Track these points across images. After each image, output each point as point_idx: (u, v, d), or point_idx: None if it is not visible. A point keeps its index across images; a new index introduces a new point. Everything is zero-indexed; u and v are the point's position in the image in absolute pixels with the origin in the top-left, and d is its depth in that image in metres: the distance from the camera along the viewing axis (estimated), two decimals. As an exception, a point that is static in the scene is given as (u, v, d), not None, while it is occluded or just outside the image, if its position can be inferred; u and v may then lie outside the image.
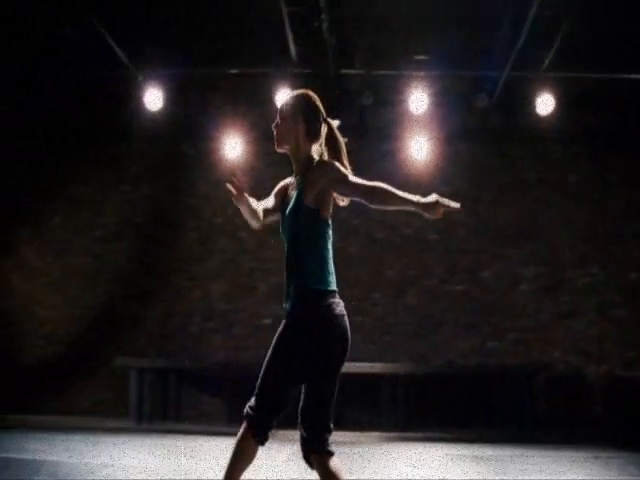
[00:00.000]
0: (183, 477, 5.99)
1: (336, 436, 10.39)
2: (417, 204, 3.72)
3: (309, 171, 3.92)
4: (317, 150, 4.00)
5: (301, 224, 3.89)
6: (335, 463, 3.72)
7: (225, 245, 12.48)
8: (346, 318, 3.78)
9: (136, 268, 12.30)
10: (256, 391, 3.84)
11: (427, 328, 11.99)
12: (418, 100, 10.79)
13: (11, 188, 12.24)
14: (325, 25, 9.47)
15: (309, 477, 4.43)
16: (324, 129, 3.99)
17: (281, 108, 4.05)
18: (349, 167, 3.95)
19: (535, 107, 10.78)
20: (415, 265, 12.22)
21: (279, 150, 4.02)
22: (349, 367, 11.20)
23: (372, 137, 11.97)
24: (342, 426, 11.01)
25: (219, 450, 8.32)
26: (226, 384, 11.76)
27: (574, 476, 6.92)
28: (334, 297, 3.75)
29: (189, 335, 12.07)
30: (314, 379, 3.70)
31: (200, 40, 10.32)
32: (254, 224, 3.94)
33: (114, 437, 9.41)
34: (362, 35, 10.39)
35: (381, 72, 10.81)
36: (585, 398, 11.44)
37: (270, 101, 10.90)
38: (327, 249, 3.81)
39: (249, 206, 3.86)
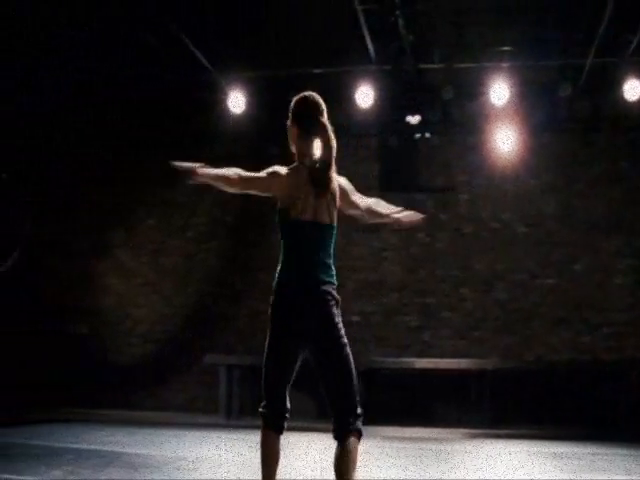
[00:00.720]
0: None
1: (423, 433, 10.41)
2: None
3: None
4: (317, 147, 4.09)
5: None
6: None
7: (312, 243, 12.59)
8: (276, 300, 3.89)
9: (226, 267, 12.58)
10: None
11: (517, 323, 11.79)
12: (500, 92, 10.61)
13: (106, 192, 12.73)
14: (401, 21, 9.43)
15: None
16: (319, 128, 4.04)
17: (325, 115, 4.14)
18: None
19: (622, 93, 10.40)
20: (504, 259, 12.02)
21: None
22: (437, 363, 11.22)
23: (456, 132, 11.88)
24: (431, 423, 11.09)
25: (307, 445, 8.45)
26: (314, 380, 11.87)
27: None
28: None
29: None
30: None
31: (278, 41, 10.43)
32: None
33: (203, 432, 9.66)
34: (440, 29, 10.28)
35: (462, 65, 10.67)
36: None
37: (351, 99, 10.95)
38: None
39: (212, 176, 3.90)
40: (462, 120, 11.74)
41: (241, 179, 3.96)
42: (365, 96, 10.74)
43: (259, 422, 3.93)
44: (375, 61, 10.43)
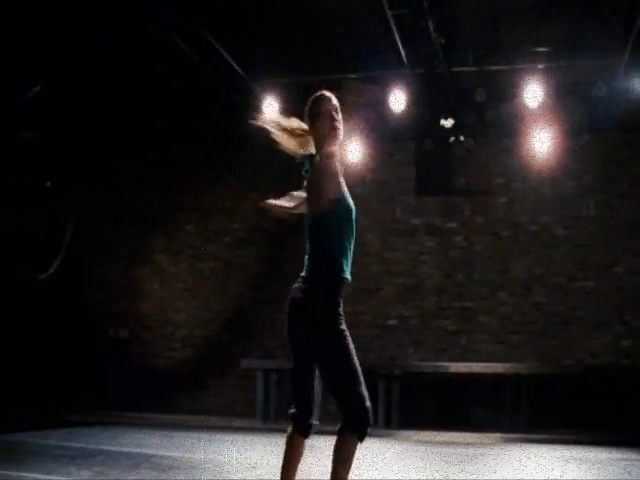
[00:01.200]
0: (305, 477, 6.06)
1: (458, 437, 10.34)
2: None
3: None
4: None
5: None
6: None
7: (350, 247, 12.61)
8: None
9: (264, 272, 12.67)
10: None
11: (555, 327, 11.66)
12: (534, 93, 10.52)
13: (146, 199, 12.94)
14: (431, 25, 9.42)
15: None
16: None
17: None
18: None
19: (662, 92, 10.24)
20: (542, 262, 11.91)
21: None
22: (471, 367, 11.15)
23: (492, 134, 11.81)
24: (466, 427, 11.02)
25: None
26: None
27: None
28: None
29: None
30: None
31: (310, 47, 10.49)
32: None
33: (238, 436, 9.73)
34: (472, 31, 10.21)
35: (495, 67, 10.61)
36: None
37: (385, 103, 10.97)
38: None
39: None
40: (497, 122, 11.68)
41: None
42: (398, 100, 10.75)
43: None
44: (408, 65, 10.43)
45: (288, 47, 10.49)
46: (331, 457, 3.79)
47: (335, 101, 4.12)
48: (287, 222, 12.45)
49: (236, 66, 10.40)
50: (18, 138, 11.43)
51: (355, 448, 3.81)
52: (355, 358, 3.89)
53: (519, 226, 12.06)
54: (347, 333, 3.90)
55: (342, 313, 3.95)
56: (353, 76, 11.24)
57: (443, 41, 9.66)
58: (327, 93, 4.15)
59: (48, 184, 12.22)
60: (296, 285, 3.95)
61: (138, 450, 7.42)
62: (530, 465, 7.56)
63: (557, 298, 11.76)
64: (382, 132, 11.92)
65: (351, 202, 4.06)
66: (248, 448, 8.32)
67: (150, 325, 12.91)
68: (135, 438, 8.53)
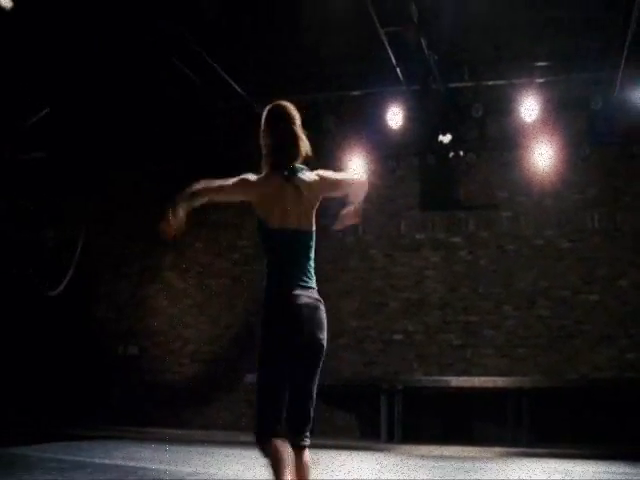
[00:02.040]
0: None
1: (460, 451, 10.31)
2: None
3: None
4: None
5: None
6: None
7: (355, 263, 12.72)
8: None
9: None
10: None
11: (560, 340, 11.63)
12: (532, 107, 10.58)
13: (155, 216, 13.13)
14: (424, 41, 9.54)
15: None
16: None
17: (298, 123, 4.13)
18: None
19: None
20: (547, 275, 11.90)
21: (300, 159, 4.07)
22: (474, 381, 11.14)
23: (493, 148, 11.86)
24: (469, 441, 11.03)
25: (352, 463, 8.53)
26: (357, 399, 12.00)
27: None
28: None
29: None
30: None
31: (304, 67, 10.66)
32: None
33: (243, 451, 9.79)
34: (467, 47, 10.31)
35: (492, 82, 10.69)
36: None
37: (382, 120, 11.09)
38: None
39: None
40: (498, 137, 11.75)
41: (216, 187, 3.95)
42: (395, 117, 10.86)
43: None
44: (404, 82, 10.54)
45: (286, 65, 10.66)
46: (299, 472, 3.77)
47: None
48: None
49: (234, 84, 10.59)
50: (26, 158, 11.73)
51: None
52: None
53: (523, 240, 12.07)
54: None
55: None
56: (352, 94, 11.37)
57: (436, 57, 9.74)
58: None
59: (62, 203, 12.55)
60: (304, 292, 3.90)
61: (129, 463, 7.56)
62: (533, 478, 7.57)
63: (562, 312, 11.73)
64: (384, 148, 12.04)
65: None
66: (244, 463, 8.41)
67: (159, 341, 13.10)
68: (130, 452, 8.67)
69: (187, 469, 7.38)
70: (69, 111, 11.25)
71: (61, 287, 11.92)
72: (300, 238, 4.00)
